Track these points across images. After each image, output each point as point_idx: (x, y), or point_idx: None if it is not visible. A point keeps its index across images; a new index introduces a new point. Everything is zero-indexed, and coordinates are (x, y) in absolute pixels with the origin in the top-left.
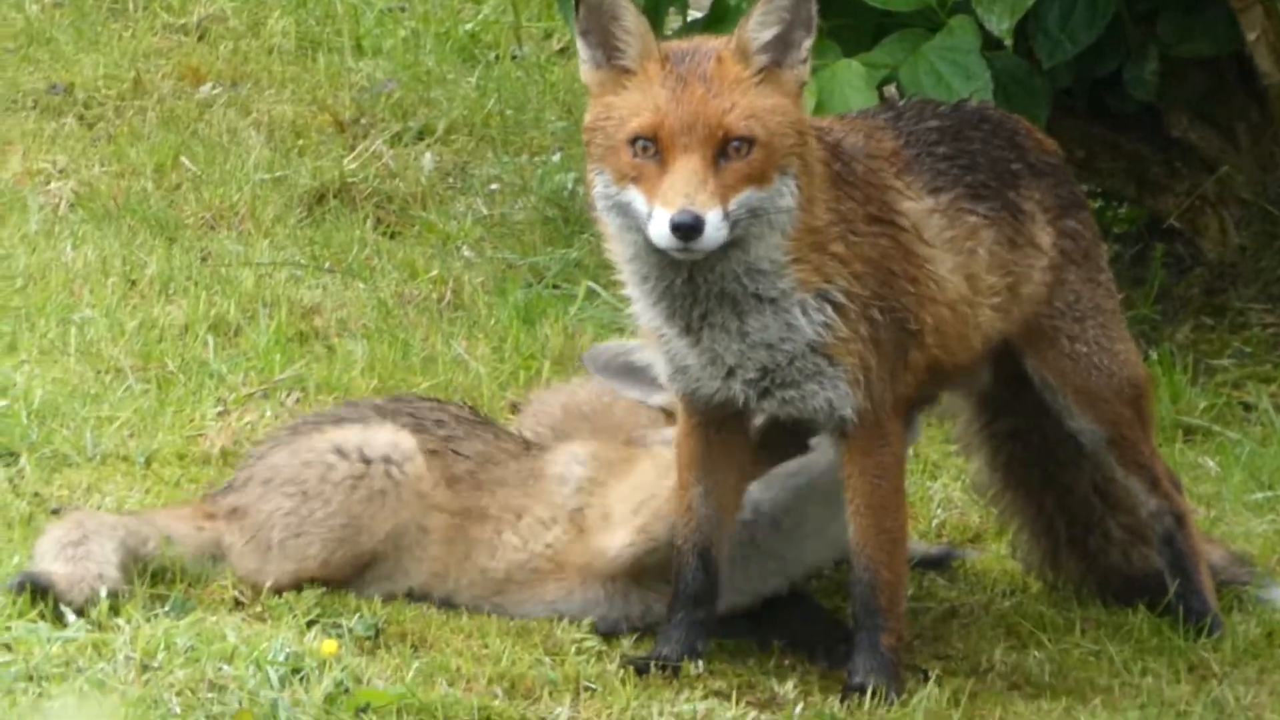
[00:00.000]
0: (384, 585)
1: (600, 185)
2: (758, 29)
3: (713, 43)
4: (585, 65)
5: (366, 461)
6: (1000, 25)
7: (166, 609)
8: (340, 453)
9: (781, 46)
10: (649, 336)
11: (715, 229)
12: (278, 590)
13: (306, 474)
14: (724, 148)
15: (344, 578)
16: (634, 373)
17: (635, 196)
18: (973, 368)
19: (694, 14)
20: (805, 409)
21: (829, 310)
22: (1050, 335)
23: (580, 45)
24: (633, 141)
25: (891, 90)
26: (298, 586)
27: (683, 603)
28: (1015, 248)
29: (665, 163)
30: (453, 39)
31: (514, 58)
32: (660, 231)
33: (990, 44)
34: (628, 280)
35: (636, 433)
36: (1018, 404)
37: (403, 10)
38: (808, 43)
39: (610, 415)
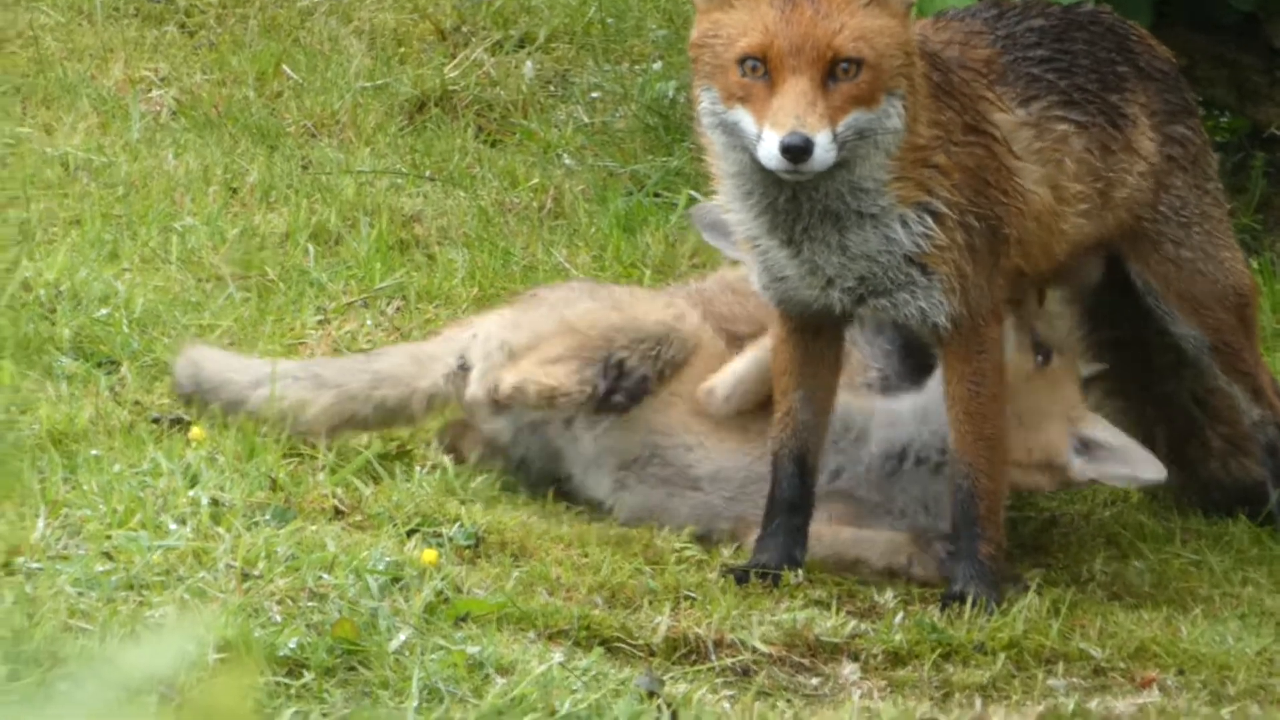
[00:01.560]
0: None
1: (707, 102)
2: None
3: None
4: None
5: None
6: None
7: (267, 517)
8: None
9: None
10: (745, 245)
11: (824, 151)
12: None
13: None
14: (832, 69)
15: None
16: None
17: (743, 116)
18: (1060, 272)
19: None
20: (898, 316)
21: (929, 221)
22: (1154, 239)
23: None
24: (741, 61)
25: None
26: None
27: (779, 509)
28: (1109, 153)
29: (774, 84)
30: None
31: None
32: (770, 153)
33: None
34: (729, 194)
35: None
36: (1120, 313)
37: None
38: None
39: (712, 309)
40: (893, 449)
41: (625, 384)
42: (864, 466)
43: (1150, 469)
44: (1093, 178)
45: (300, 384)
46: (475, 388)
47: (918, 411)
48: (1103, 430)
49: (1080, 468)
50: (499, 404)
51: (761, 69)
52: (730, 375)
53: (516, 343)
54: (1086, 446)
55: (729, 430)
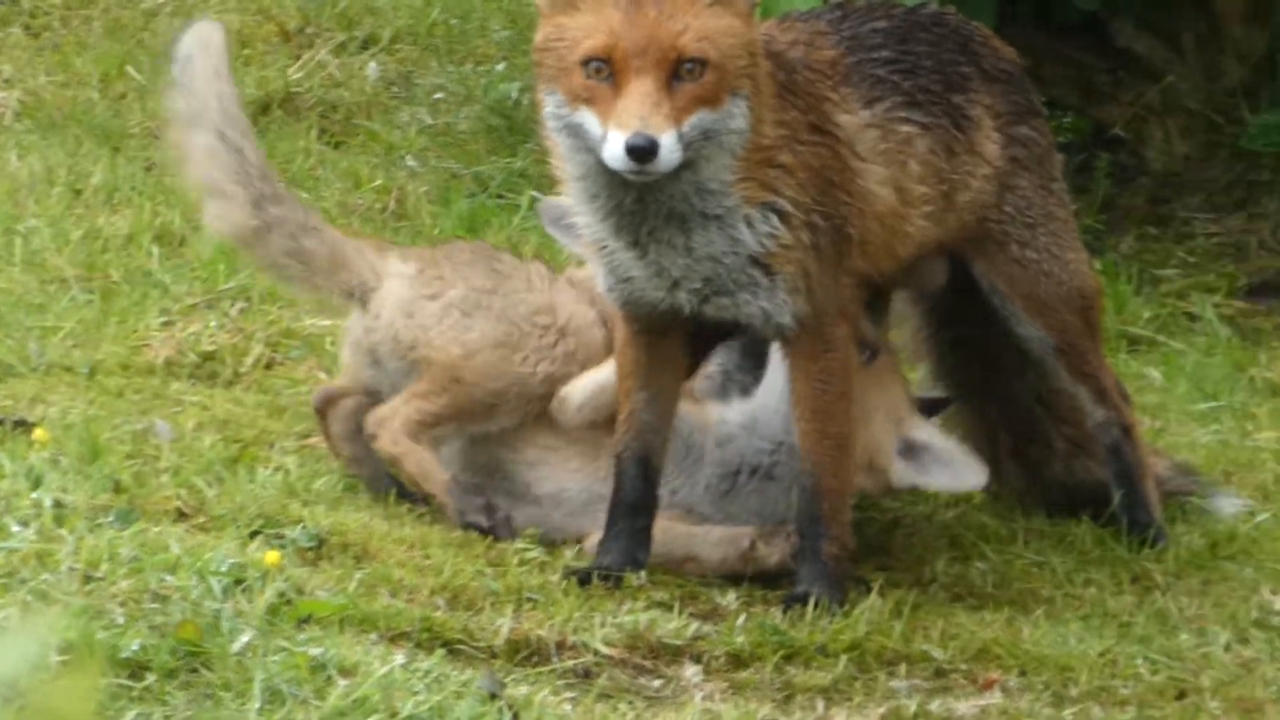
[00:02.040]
0: None
1: (551, 106)
2: None
3: None
4: None
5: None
6: None
7: (110, 519)
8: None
9: None
10: (591, 248)
11: (670, 151)
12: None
13: (512, 287)
14: (677, 70)
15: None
16: None
17: (588, 118)
18: (903, 273)
19: None
20: (741, 316)
21: (774, 220)
22: (999, 240)
23: None
24: (586, 63)
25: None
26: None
27: (622, 512)
28: (953, 155)
29: (619, 85)
30: None
31: None
32: (615, 153)
33: None
34: (575, 197)
35: None
36: (965, 312)
37: None
38: None
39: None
40: (728, 468)
41: (494, 522)
42: (702, 486)
43: (972, 476)
44: (936, 179)
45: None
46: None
47: (747, 423)
48: (927, 434)
49: (902, 472)
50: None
51: (606, 70)
52: (586, 384)
53: (405, 336)
54: (911, 450)
55: (577, 446)
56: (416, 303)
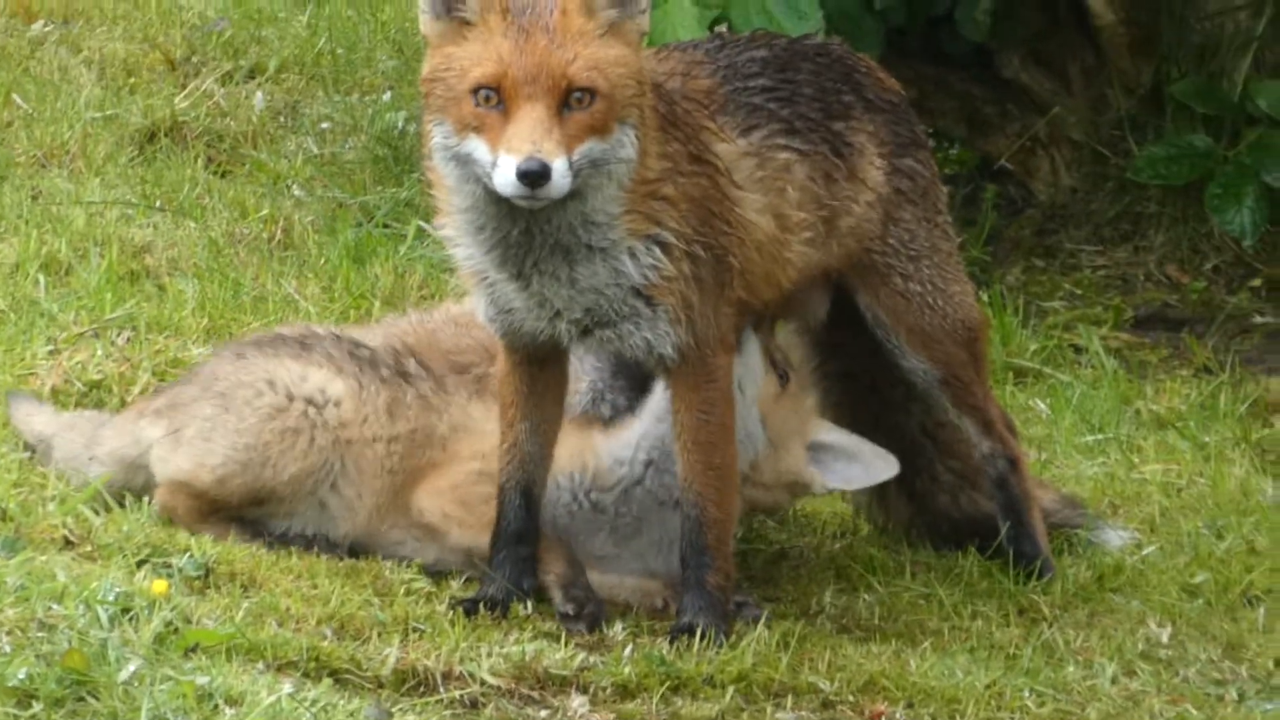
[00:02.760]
0: (311, 527)
1: (440, 136)
2: None
3: None
4: (424, 16)
5: (289, 399)
6: None
7: None
8: (271, 384)
9: None
10: (470, 278)
11: (561, 176)
12: (169, 496)
13: (236, 390)
14: (567, 98)
15: (235, 504)
16: None
17: (478, 146)
18: (785, 302)
19: None
20: (623, 347)
21: (657, 252)
22: (883, 273)
23: None
24: (475, 91)
25: (723, 29)
26: (188, 495)
27: (505, 541)
28: (832, 181)
29: (509, 112)
30: None
31: None
32: (506, 179)
33: None
34: (459, 229)
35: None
36: (851, 346)
37: None
38: None
39: (434, 342)
40: (634, 514)
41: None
42: (605, 531)
43: (883, 465)
44: (816, 205)
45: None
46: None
47: (658, 459)
48: (831, 433)
49: (822, 479)
50: None
51: (496, 98)
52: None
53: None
54: (819, 451)
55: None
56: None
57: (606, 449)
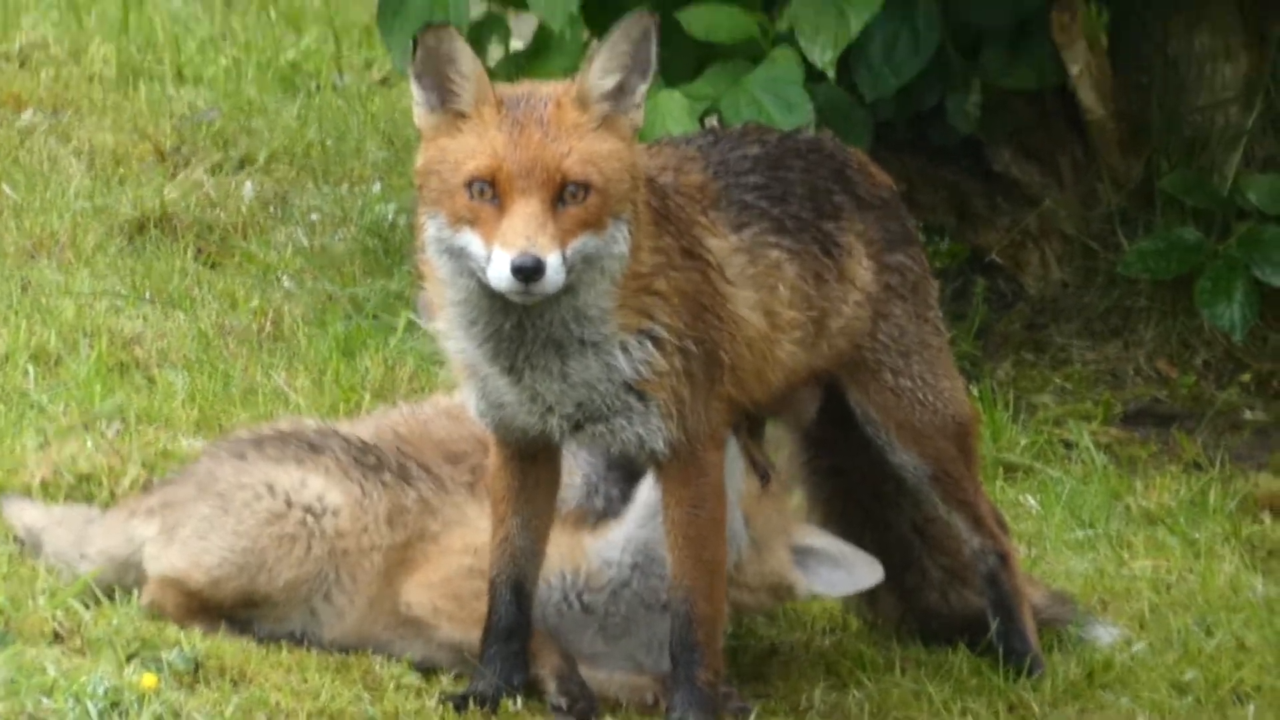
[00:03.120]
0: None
1: (433, 229)
2: (600, 76)
3: (548, 88)
4: (419, 108)
5: (288, 504)
6: (823, 57)
7: None
8: (271, 488)
9: (620, 93)
10: (461, 372)
11: (555, 272)
12: (160, 592)
13: (237, 493)
14: (561, 192)
15: (227, 607)
16: None
17: (472, 239)
18: (775, 401)
19: (516, 44)
20: (614, 442)
21: (649, 347)
22: (873, 369)
23: (414, 88)
24: (470, 184)
25: (713, 121)
26: (179, 592)
27: (496, 636)
28: (822, 282)
29: (504, 206)
30: (274, 68)
31: (335, 87)
32: (500, 274)
33: (813, 76)
34: (452, 322)
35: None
36: (841, 440)
37: (224, 39)
38: (643, 87)
39: (426, 433)
40: (622, 614)
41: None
42: (592, 633)
43: (868, 572)
44: (806, 305)
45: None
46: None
47: (642, 561)
48: (816, 537)
49: (806, 583)
50: None
51: (490, 192)
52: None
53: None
54: (803, 556)
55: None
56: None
57: (595, 550)
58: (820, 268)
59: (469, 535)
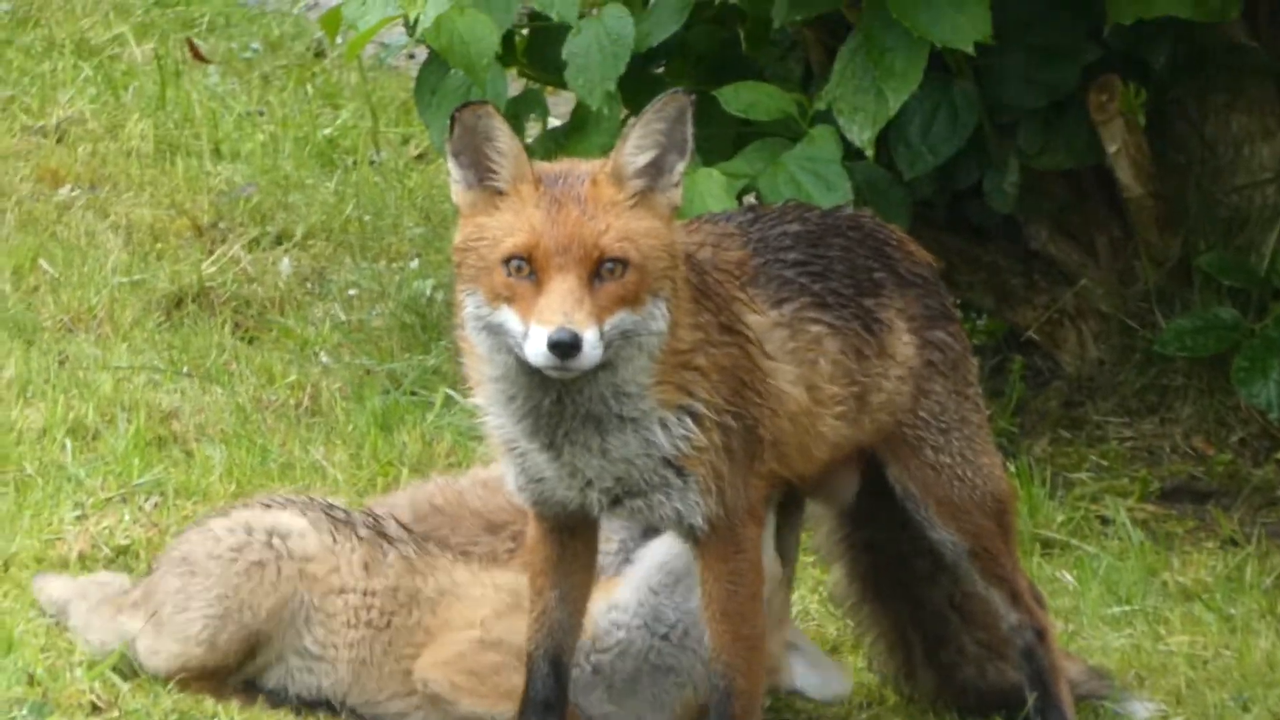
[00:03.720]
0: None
1: (471, 306)
2: (634, 153)
3: (585, 166)
4: (457, 185)
5: (249, 533)
6: (861, 135)
7: (24, 712)
8: (230, 529)
9: (656, 170)
10: (499, 447)
11: (592, 348)
12: (168, 678)
13: (197, 550)
14: (598, 269)
15: (233, 662)
16: None
17: (509, 316)
18: (818, 478)
19: (554, 121)
20: (653, 518)
21: (688, 423)
22: (914, 445)
23: (451, 166)
24: (507, 261)
25: (751, 199)
26: (192, 675)
27: (533, 710)
28: (863, 358)
29: (541, 283)
30: (311, 144)
31: (372, 163)
32: (537, 350)
33: (851, 154)
34: (490, 399)
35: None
36: (878, 515)
37: (261, 114)
38: (681, 165)
39: (463, 503)
40: (632, 672)
41: None
42: (601, 690)
43: (839, 683)
44: (848, 380)
45: None
46: None
47: (648, 620)
48: (799, 636)
49: (790, 677)
50: None
51: (527, 269)
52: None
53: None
54: (790, 650)
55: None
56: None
57: (602, 611)
58: (861, 343)
59: (468, 609)
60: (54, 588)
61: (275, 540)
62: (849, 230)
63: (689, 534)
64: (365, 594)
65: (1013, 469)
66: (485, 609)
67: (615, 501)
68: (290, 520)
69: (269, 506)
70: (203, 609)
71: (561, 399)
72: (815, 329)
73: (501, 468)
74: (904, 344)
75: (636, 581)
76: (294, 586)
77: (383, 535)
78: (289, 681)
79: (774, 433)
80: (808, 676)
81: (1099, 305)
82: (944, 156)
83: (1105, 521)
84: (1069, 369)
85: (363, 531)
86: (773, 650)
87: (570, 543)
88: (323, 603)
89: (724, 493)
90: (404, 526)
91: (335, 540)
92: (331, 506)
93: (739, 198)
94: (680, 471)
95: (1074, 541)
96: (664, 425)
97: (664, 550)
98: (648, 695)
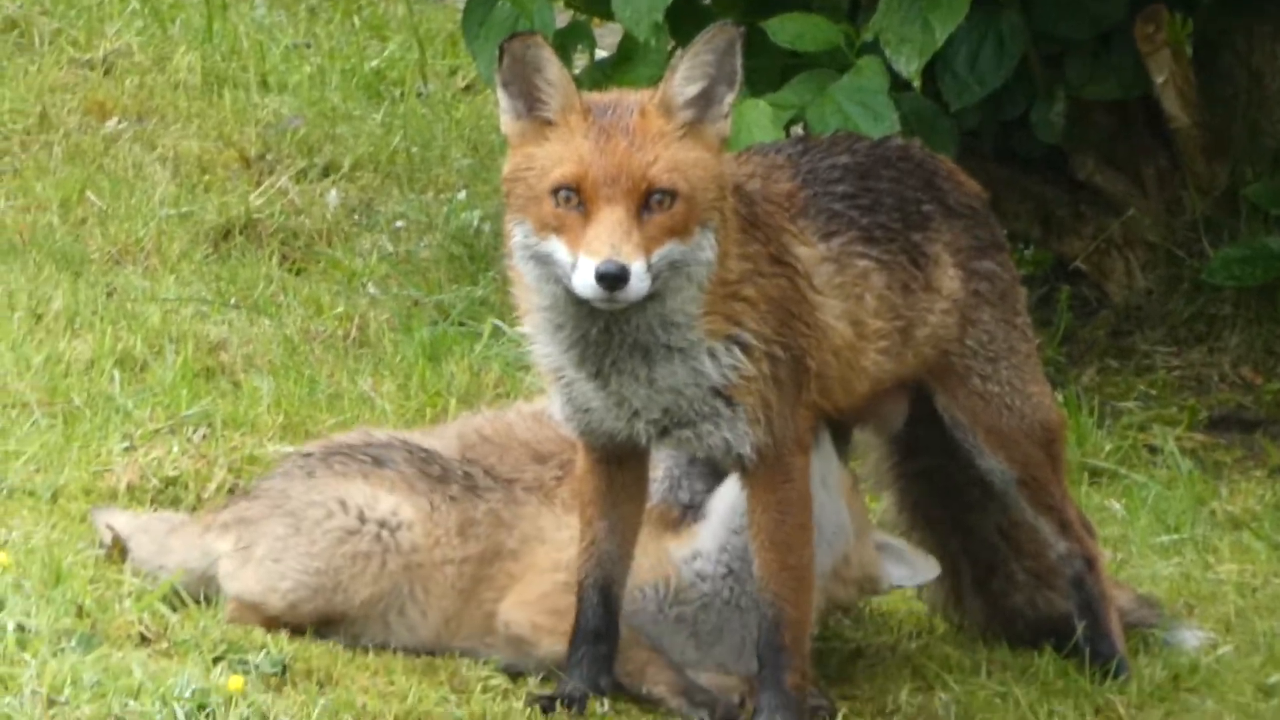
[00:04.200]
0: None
1: (520, 235)
2: (683, 84)
3: (634, 96)
4: (506, 116)
5: (361, 521)
6: (909, 66)
7: (73, 644)
8: (343, 504)
9: (705, 101)
10: (547, 376)
11: (639, 280)
12: (235, 600)
13: (309, 511)
14: (647, 200)
15: (305, 625)
16: None
17: (557, 246)
18: (858, 410)
19: (601, 53)
20: (701, 447)
21: (737, 353)
22: (962, 374)
23: (501, 96)
24: (555, 191)
25: (799, 130)
26: (257, 616)
27: (584, 638)
28: (909, 292)
29: (589, 213)
30: (358, 75)
31: (419, 95)
32: (585, 281)
33: (898, 85)
34: (538, 328)
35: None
36: (929, 445)
37: (308, 47)
38: (730, 97)
39: (511, 434)
40: (709, 621)
41: None
42: (685, 636)
43: (928, 568)
44: (893, 315)
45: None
46: None
47: (734, 565)
48: (883, 534)
49: (890, 577)
50: None
51: (576, 199)
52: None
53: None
54: (879, 550)
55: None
56: None
57: (683, 559)
58: (908, 278)
59: (553, 552)
60: (118, 521)
61: (384, 534)
62: (898, 161)
63: (737, 464)
64: (460, 563)
65: (1060, 398)
66: (569, 551)
67: (663, 432)
68: (401, 508)
69: (371, 478)
70: (297, 571)
71: (609, 328)
72: (862, 264)
73: (550, 398)
74: (950, 278)
75: (715, 527)
76: (395, 581)
77: (473, 489)
78: (361, 642)
79: (819, 365)
80: (900, 570)
81: (1146, 235)
82: (991, 87)
83: (1153, 450)
84: (1117, 298)
85: (454, 489)
86: (866, 556)
87: (619, 474)
88: (419, 584)
89: (772, 422)
90: (491, 474)
91: (434, 508)
92: (429, 459)
93: (786, 129)
94: (729, 401)
95: (1122, 470)
96: (712, 355)
97: (735, 490)
98: (733, 640)
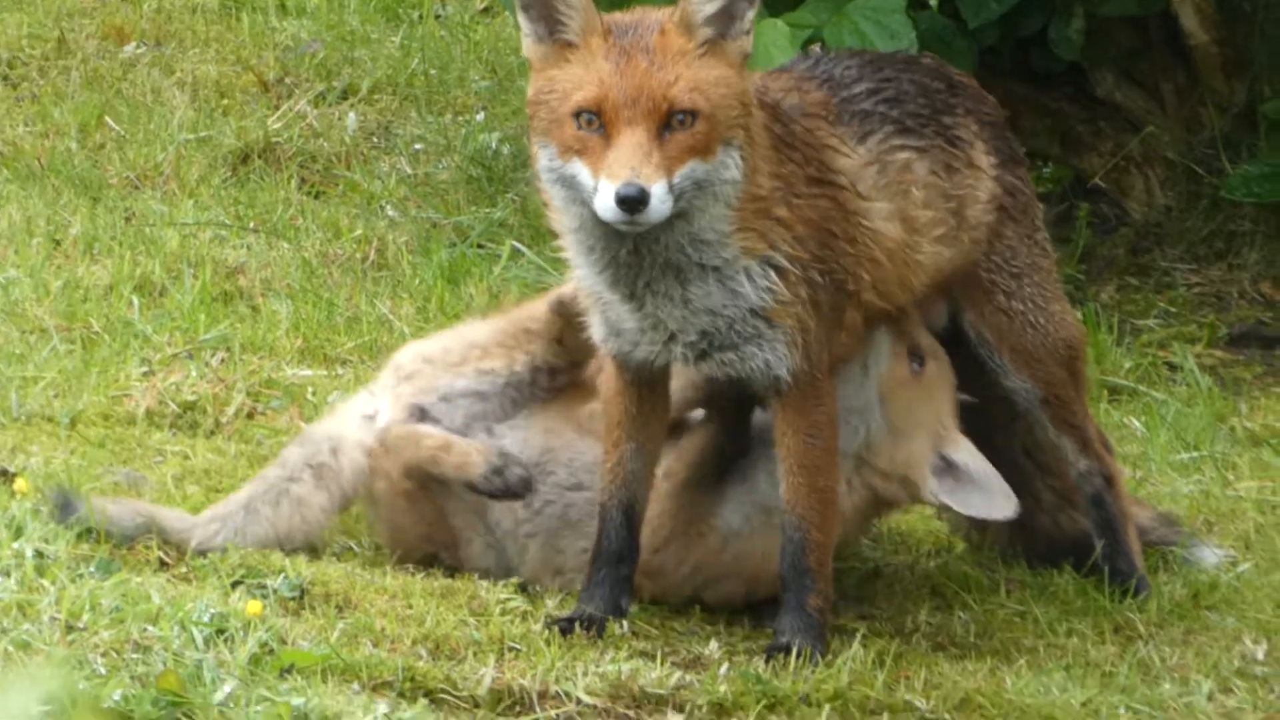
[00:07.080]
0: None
1: (545, 159)
2: (703, 1)
3: (655, 15)
4: (527, 39)
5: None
6: None
7: (92, 569)
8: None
9: (725, 18)
10: (587, 299)
11: (660, 201)
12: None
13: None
14: (668, 120)
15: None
16: None
17: (580, 169)
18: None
19: None
20: (743, 370)
21: (772, 275)
22: (987, 289)
23: (522, 20)
24: (576, 115)
25: (815, 49)
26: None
27: (605, 560)
28: (953, 171)
29: (610, 136)
30: None
31: (437, 17)
32: (606, 204)
33: (915, 3)
34: (572, 249)
35: None
36: (955, 365)
37: None
38: (750, 13)
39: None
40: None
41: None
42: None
43: (1005, 505)
44: (943, 199)
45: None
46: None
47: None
48: (967, 454)
49: (934, 488)
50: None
51: (597, 122)
52: None
53: None
54: (948, 468)
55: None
56: None
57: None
58: (949, 158)
59: None
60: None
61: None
62: (909, 63)
63: (773, 386)
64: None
65: (1080, 316)
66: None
67: (702, 356)
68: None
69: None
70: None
71: (639, 249)
72: (902, 156)
73: (590, 321)
74: (986, 158)
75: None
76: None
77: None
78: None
79: (872, 274)
80: (968, 495)
81: (1165, 152)
82: (1008, 4)
83: (1173, 368)
84: (1136, 215)
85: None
86: (904, 454)
87: (648, 396)
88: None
89: (809, 346)
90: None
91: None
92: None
93: (803, 48)
94: (770, 322)
95: (1142, 388)
96: (749, 275)
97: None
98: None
